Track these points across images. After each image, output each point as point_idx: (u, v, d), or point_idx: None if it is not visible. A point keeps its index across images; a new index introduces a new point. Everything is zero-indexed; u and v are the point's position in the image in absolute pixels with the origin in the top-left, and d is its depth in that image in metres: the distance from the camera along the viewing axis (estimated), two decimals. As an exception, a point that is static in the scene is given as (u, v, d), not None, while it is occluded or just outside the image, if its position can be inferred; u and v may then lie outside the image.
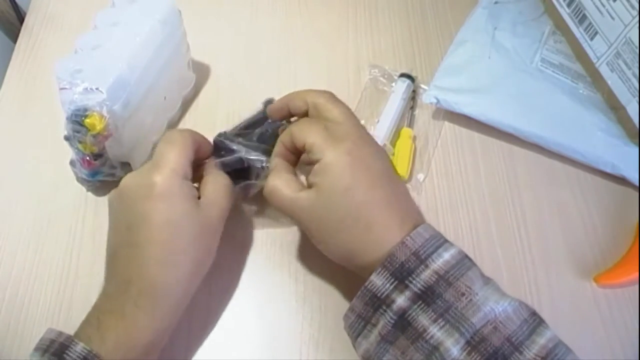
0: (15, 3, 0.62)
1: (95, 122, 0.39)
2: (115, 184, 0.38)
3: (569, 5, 0.52)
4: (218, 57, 0.56)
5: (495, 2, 0.56)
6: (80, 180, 0.46)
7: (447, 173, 0.49)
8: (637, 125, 0.47)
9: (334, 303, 0.42)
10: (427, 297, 0.32)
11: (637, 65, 0.46)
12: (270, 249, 0.45)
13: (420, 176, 0.49)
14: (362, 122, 0.50)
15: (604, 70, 0.50)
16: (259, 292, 0.43)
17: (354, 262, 0.36)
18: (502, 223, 0.47)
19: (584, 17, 0.51)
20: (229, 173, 0.41)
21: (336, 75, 0.55)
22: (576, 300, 0.43)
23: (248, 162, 0.41)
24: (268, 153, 0.41)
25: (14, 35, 0.60)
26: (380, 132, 0.49)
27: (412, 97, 0.53)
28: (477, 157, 0.50)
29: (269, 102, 0.45)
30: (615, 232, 0.46)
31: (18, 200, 0.48)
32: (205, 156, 0.41)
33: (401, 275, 0.32)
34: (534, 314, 0.33)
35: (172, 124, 0.51)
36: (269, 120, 0.43)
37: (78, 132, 0.40)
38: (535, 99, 0.50)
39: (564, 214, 0.47)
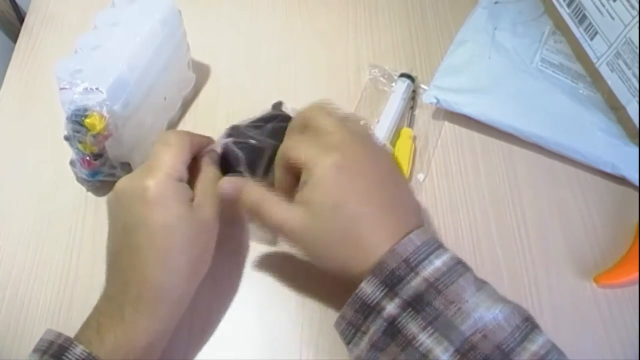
0: (15, 3, 0.62)
1: (95, 122, 0.39)
2: (115, 184, 0.38)
3: (569, 5, 0.52)
4: (218, 57, 0.56)
5: (495, 2, 0.56)
6: (80, 180, 0.46)
7: (447, 173, 0.49)
8: (637, 125, 0.47)
9: (334, 303, 0.42)
10: (416, 304, 0.32)
11: (637, 65, 0.46)
12: (270, 249, 0.45)
13: (420, 176, 0.49)
14: (362, 122, 0.51)
15: (604, 70, 0.50)
16: (258, 293, 0.43)
17: (345, 275, 0.35)
18: (502, 223, 0.47)
19: (584, 17, 0.51)
20: (233, 171, 0.41)
21: (336, 75, 0.55)
22: (576, 300, 0.43)
23: (259, 149, 0.41)
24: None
25: (14, 35, 0.60)
26: (380, 132, 0.49)
27: (412, 97, 0.53)
28: (477, 157, 0.50)
29: (278, 104, 0.45)
30: (615, 232, 0.46)
31: (18, 200, 0.48)
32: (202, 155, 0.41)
33: (391, 282, 0.32)
34: (527, 319, 0.32)
35: (172, 124, 0.51)
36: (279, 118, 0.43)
37: (78, 132, 0.40)
38: (535, 99, 0.50)
39: (564, 214, 0.47)
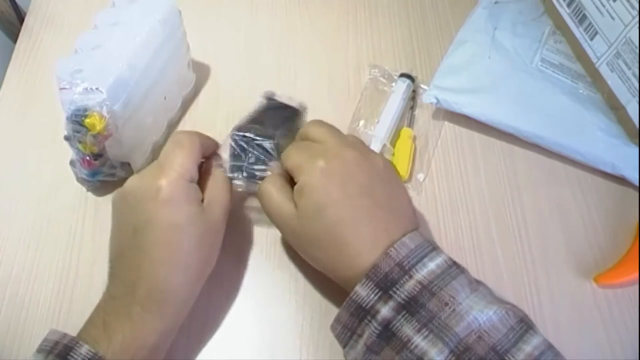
0: (15, 3, 0.62)
1: (95, 122, 0.39)
2: (115, 184, 0.38)
3: (569, 5, 0.52)
4: (218, 57, 0.56)
5: (495, 2, 0.56)
6: (80, 180, 0.46)
7: (447, 173, 0.49)
8: (637, 125, 0.47)
9: (334, 303, 0.42)
10: (410, 307, 0.32)
11: (637, 65, 0.46)
12: (270, 249, 0.45)
13: (420, 176, 0.49)
14: (362, 122, 0.51)
15: (604, 70, 0.50)
16: (259, 292, 0.43)
17: (334, 277, 0.37)
18: (502, 223, 0.47)
19: (584, 17, 0.51)
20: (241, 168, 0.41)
21: (336, 75, 0.55)
22: (576, 300, 0.43)
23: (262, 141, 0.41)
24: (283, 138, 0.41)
25: (14, 35, 0.60)
26: (380, 132, 0.49)
27: (412, 97, 0.53)
28: (477, 157, 0.50)
29: (269, 95, 0.45)
30: (615, 232, 0.46)
31: (18, 200, 0.48)
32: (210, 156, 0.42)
33: (385, 285, 0.32)
34: (521, 320, 0.32)
35: (172, 124, 0.51)
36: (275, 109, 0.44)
37: (78, 132, 0.40)
38: (535, 99, 0.50)
39: (564, 214, 0.47)
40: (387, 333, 0.32)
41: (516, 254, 0.45)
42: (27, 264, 0.44)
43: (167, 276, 0.35)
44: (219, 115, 0.52)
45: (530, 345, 0.31)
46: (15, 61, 0.56)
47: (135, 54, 0.42)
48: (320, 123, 0.40)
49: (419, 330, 0.31)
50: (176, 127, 0.52)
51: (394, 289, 0.32)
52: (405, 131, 0.50)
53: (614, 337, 0.41)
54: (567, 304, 0.43)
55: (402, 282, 0.32)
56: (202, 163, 0.41)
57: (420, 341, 0.31)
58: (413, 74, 0.53)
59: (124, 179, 0.38)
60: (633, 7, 0.45)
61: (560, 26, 0.55)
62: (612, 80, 0.49)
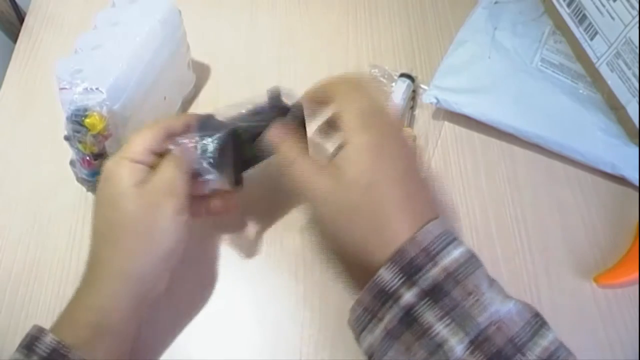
0: (15, 3, 0.62)
1: (95, 122, 0.39)
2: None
3: (569, 5, 0.52)
4: (218, 57, 0.56)
5: (495, 2, 0.56)
6: (80, 180, 0.46)
7: (447, 173, 0.49)
8: (637, 125, 0.47)
9: (334, 303, 0.42)
10: (434, 294, 0.32)
11: (637, 65, 0.46)
12: (270, 249, 0.45)
13: (420, 176, 0.49)
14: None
15: (604, 70, 0.50)
16: (259, 292, 0.43)
17: (359, 256, 0.35)
18: (502, 223, 0.47)
19: (584, 17, 0.51)
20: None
21: (336, 75, 0.55)
22: (576, 300, 0.43)
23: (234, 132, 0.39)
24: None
25: (14, 35, 0.60)
26: (380, 132, 0.49)
27: (412, 97, 0.53)
28: (477, 157, 0.50)
29: (274, 93, 0.42)
30: (615, 232, 0.46)
31: (18, 200, 0.48)
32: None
33: (410, 271, 0.32)
34: (536, 315, 0.33)
35: (172, 124, 0.51)
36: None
37: (78, 132, 0.40)
38: (535, 99, 0.50)
39: (564, 214, 0.47)
40: (409, 318, 0.32)
41: (516, 254, 0.45)
42: (27, 264, 0.44)
43: (99, 248, 0.36)
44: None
45: (546, 340, 0.31)
46: (15, 61, 0.56)
47: (135, 54, 0.42)
48: (355, 103, 0.37)
49: (441, 318, 0.31)
50: (176, 127, 0.52)
51: (419, 274, 0.32)
52: (405, 131, 0.50)
53: (614, 337, 0.41)
54: (567, 304, 0.43)
55: (427, 268, 0.32)
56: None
57: (441, 329, 0.31)
58: (413, 74, 0.53)
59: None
60: (633, 7, 0.45)
61: (560, 26, 0.55)
62: (612, 80, 0.49)
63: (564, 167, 0.50)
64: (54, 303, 0.43)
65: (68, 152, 0.44)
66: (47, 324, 0.34)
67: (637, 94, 0.47)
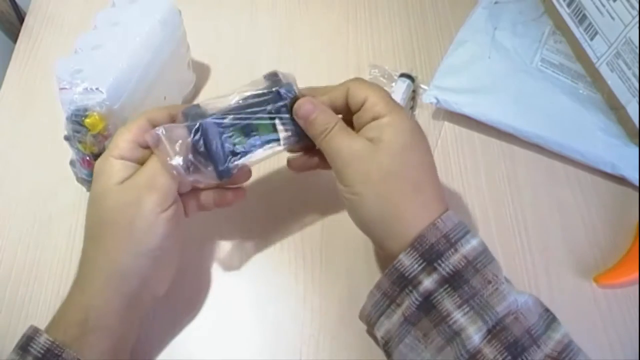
0: (15, 3, 0.62)
1: (95, 122, 0.39)
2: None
3: (569, 5, 0.52)
4: (218, 57, 0.56)
5: (495, 2, 0.56)
6: (80, 180, 0.46)
7: (447, 173, 0.49)
8: (637, 125, 0.47)
9: (334, 303, 0.42)
10: (454, 281, 0.32)
11: (637, 65, 0.46)
12: (270, 249, 0.45)
13: (420, 176, 0.49)
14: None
15: (604, 70, 0.50)
16: (259, 292, 0.43)
17: (385, 226, 0.35)
18: (502, 223, 0.47)
19: (584, 17, 0.51)
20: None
21: (336, 75, 0.55)
22: (576, 300, 0.43)
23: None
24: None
25: (14, 35, 0.60)
26: (380, 132, 0.49)
27: (412, 97, 0.53)
28: (477, 157, 0.50)
29: (273, 76, 0.40)
30: (615, 232, 0.46)
31: (18, 200, 0.48)
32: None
33: (430, 257, 0.33)
34: (547, 310, 0.33)
35: (172, 124, 0.51)
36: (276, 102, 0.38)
37: (78, 132, 0.40)
38: (535, 99, 0.50)
39: (564, 214, 0.47)
40: (427, 305, 0.32)
41: (516, 254, 0.45)
42: (27, 264, 0.44)
43: (86, 247, 0.36)
44: (219, 115, 0.52)
45: (559, 334, 0.32)
46: (15, 61, 0.56)
47: (135, 54, 0.42)
48: (380, 89, 0.38)
49: (459, 306, 0.32)
50: (176, 127, 0.52)
51: (439, 261, 0.32)
52: (405, 131, 0.50)
53: (614, 337, 0.41)
54: (567, 304, 0.43)
55: (447, 255, 0.32)
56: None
57: (460, 317, 0.32)
58: (413, 74, 0.53)
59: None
60: (633, 7, 0.45)
61: (560, 26, 0.55)
62: (612, 80, 0.49)
63: (564, 167, 0.50)
64: (54, 303, 0.43)
65: (68, 152, 0.44)
66: (47, 324, 0.34)
67: (637, 94, 0.47)
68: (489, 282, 0.32)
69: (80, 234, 0.45)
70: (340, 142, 0.36)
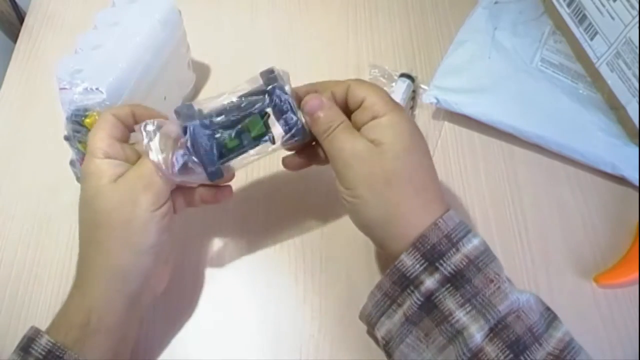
0: (15, 3, 0.62)
1: (95, 122, 0.39)
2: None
3: (569, 5, 0.52)
4: (218, 57, 0.56)
5: (495, 2, 0.56)
6: (80, 180, 0.46)
7: (447, 173, 0.49)
8: (637, 125, 0.47)
9: (334, 303, 0.42)
10: (456, 280, 0.32)
11: (637, 65, 0.46)
12: (270, 249, 0.45)
13: (420, 176, 0.49)
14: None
15: (604, 70, 0.50)
16: (259, 293, 0.43)
17: (387, 228, 0.34)
18: (502, 223, 0.47)
19: (584, 17, 0.51)
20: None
21: (336, 76, 0.54)
22: (576, 300, 0.43)
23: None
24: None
25: (14, 35, 0.60)
26: (380, 132, 0.49)
27: (412, 97, 0.53)
28: (477, 157, 0.50)
29: (269, 73, 0.39)
30: (615, 232, 0.46)
31: (18, 200, 0.48)
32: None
33: (432, 257, 0.33)
34: (548, 308, 0.34)
35: (172, 124, 0.51)
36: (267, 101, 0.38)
37: (78, 132, 0.40)
38: (535, 99, 0.50)
39: (564, 214, 0.47)
40: (429, 304, 0.33)
41: (516, 254, 0.45)
42: (27, 264, 0.44)
43: (84, 250, 0.35)
44: (219, 115, 0.52)
45: (560, 332, 0.33)
46: (15, 61, 0.56)
47: (135, 53, 0.42)
48: (379, 89, 0.38)
49: (461, 305, 0.32)
50: (176, 127, 0.52)
51: (441, 261, 0.32)
52: (405, 131, 0.50)
53: (614, 337, 0.41)
54: (567, 304, 0.43)
55: (449, 254, 0.32)
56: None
57: (462, 316, 0.32)
58: (413, 74, 0.53)
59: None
60: (633, 7, 0.45)
61: (560, 26, 0.55)
62: (612, 80, 0.49)
63: (564, 167, 0.50)
64: (54, 303, 0.43)
65: (68, 152, 0.44)
66: (47, 324, 0.34)
67: (637, 94, 0.47)
68: (491, 280, 0.32)
69: (80, 234, 0.46)
70: (343, 142, 0.35)
